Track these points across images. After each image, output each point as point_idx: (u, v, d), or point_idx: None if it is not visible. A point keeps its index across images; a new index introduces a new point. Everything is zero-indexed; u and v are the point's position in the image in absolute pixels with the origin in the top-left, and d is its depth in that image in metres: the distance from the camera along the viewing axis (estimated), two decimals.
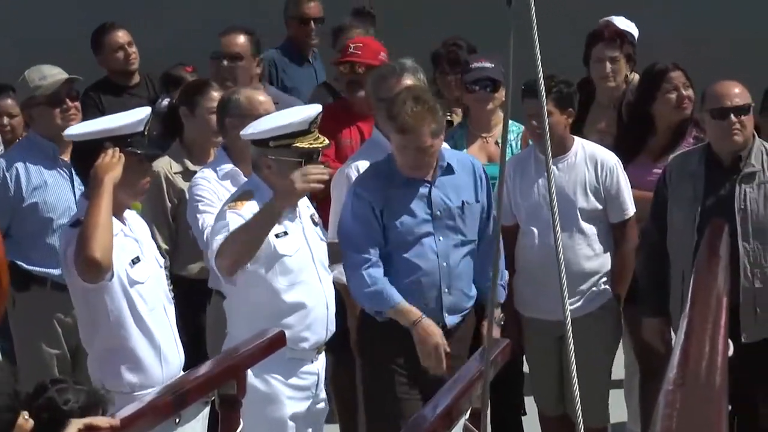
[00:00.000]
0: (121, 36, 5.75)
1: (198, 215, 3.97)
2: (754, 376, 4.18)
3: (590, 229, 4.54)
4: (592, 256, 4.53)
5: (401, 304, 3.99)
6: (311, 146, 3.92)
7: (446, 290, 4.11)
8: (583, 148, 4.54)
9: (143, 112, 3.79)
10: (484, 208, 4.19)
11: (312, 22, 5.89)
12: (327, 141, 4.13)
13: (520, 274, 4.52)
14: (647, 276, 4.51)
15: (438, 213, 4.07)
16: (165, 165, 4.47)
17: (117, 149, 3.50)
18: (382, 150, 4.34)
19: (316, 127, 4.03)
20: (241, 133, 3.94)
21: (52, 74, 4.54)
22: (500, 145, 4.41)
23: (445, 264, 4.10)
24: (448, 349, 3.97)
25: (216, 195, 4.03)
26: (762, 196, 4.34)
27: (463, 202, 4.11)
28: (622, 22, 5.58)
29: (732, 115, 4.17)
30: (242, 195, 3.79)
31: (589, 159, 4.53)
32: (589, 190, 4.52)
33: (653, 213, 4.52)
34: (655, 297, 4.48)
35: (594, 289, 4.50)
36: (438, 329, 3.97)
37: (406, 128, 3.89)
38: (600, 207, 4.48)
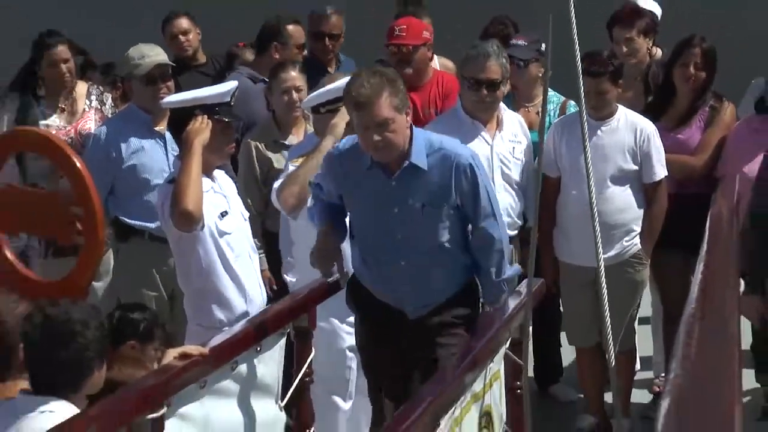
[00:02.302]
0: (177, 24, 5.92)
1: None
2: None
3: (625, 186, 4.65)
4: (625, 209, 4.61)
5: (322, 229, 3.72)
6: None
7: (405, 286, 3.72)
8: (625, 116, 4.64)
9: (230, 85, 3.98)
10: (457, 208, 3.68)
11: (327, 39, 5.68)
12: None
13: (560, 224, 4.62)
14: (760, 259, 4.29)
15: (395, 209, 3.63)
16: (255, 138, 4.72)
17: (206, 116, 3.69)
18: (458, 121, 4.48)
19: None
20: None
21: (149, 55, 4.70)
22: (540, 115, 4.35)
23: (403, 263, 3.68)
24: (344, 272, 3.68)
25: None
26: None
27: (423, 204, 3.61)
28: (642, 1, 5.60)
29: None
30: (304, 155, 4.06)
31: (630, 125, 4.63)
32: (626, 152, 4.61)
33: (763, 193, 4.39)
34: (764, 280, 4.35)
35: (626, 239, 4.61)
36: (327, 241, 3.65)
37: (360, 101, 3.41)
38: (635, 168, 4.59)
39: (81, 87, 5.21)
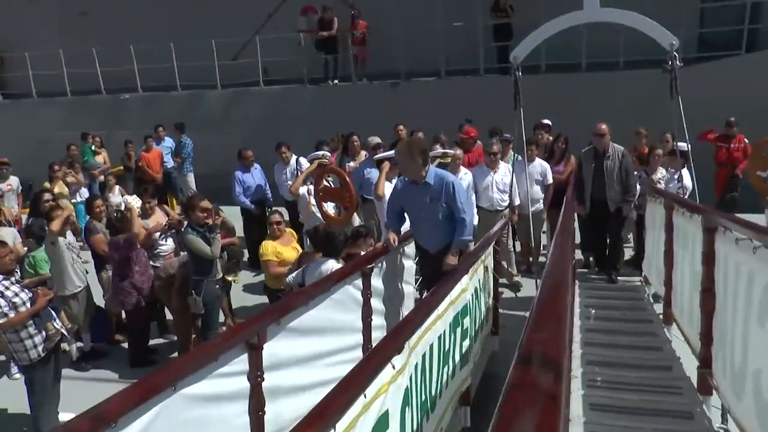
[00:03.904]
0: (399, 128, 10.79)
1: None
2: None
3: (538, 186, 9.37)
4: (537, 192, 9.35)
5: (390, 228, 5.72)
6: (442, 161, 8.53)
7: (427, 237, 5.62)
8: (539, 161, 9.43)
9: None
10: (446, 203, 5.40)
11: None
12: (449, 157, 8.66)
13: (521, 200, 9.17)
14: (580, 195, 8.35)
15: (421, 203, 5.48)
16: None
17: (388, 162, 8.02)
18: (484, 168, 9.08)
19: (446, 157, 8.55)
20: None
21: (374, 139, 9.54)
22: (518, 161, 9.16)
23: (424, 226, 5.57)
24: (395, 243, 5.59)
25: None
26: (614, 164, 8.12)
27: (430, 200, 5.41)
28: (545, 120, 10.45)
29: (598, 137, 8.19)
30: None
31: (539, 164, 9.44)
32: (539, 174, 9.37)
33: (578, 174, 8.48)
34: (582, 199, 8.36)
35: (538, 204, 9.36)
36: (393, 235, 5.61)
37: (402, 159, 5.49)
38: (541, 179, 9.38)
39: (363, 152, 10.19)
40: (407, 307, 5.97)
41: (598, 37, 12.28)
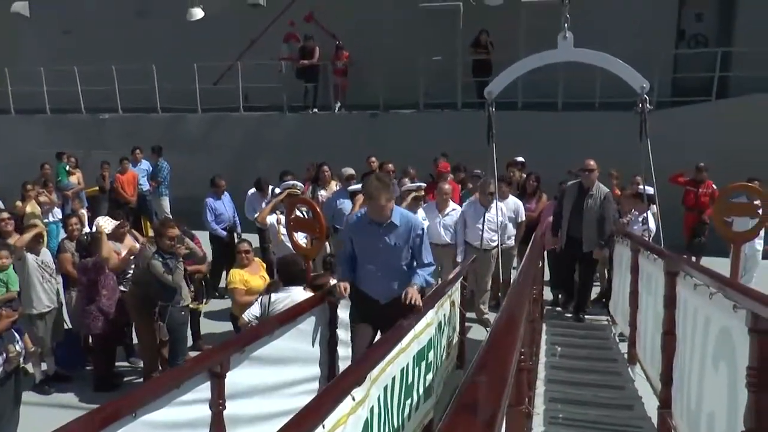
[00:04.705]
0: (371, 160, 10.91)
1: None
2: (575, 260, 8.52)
3: (511, 223, 9.26)
4: (509, 229, 9.24)
5: (339, 278, 5.00)
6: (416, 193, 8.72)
7: (379, 286, 4.94)
8: (513, 199, 9.37)
9: None
10: (411, 248, 4.88)
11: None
12: (422, 191, 8.94)
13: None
14: (556, 227, 8.51)
15: (381, 245, 4.81)
16: None
17: (361, 194, 8.91)
18: (475, 205, 8.75)
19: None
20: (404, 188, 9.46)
21: (348, 171, 9.61)
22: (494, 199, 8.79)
23: (380, 274, 4.90)
24: (345, 293, 4.83)
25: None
26: (594, 204, 8.17)
27: (395, 243, 4.80)
28: (518, 158, 10.63)
29: (586, 173, 8.27)
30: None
31: (512, 201, 9.36)
32: (512, 211, 9.26)
33: (558, 207, 8.46)
34: (557, 232, 8.48)
35: (509, 240, 9.28)
36: (344, 285, 4.85)
37: (372, 195, 4.67)
38: (514, 216, 9.30)
39: (333, 182, 10.27)
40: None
41: (576, 77, 12.51)
